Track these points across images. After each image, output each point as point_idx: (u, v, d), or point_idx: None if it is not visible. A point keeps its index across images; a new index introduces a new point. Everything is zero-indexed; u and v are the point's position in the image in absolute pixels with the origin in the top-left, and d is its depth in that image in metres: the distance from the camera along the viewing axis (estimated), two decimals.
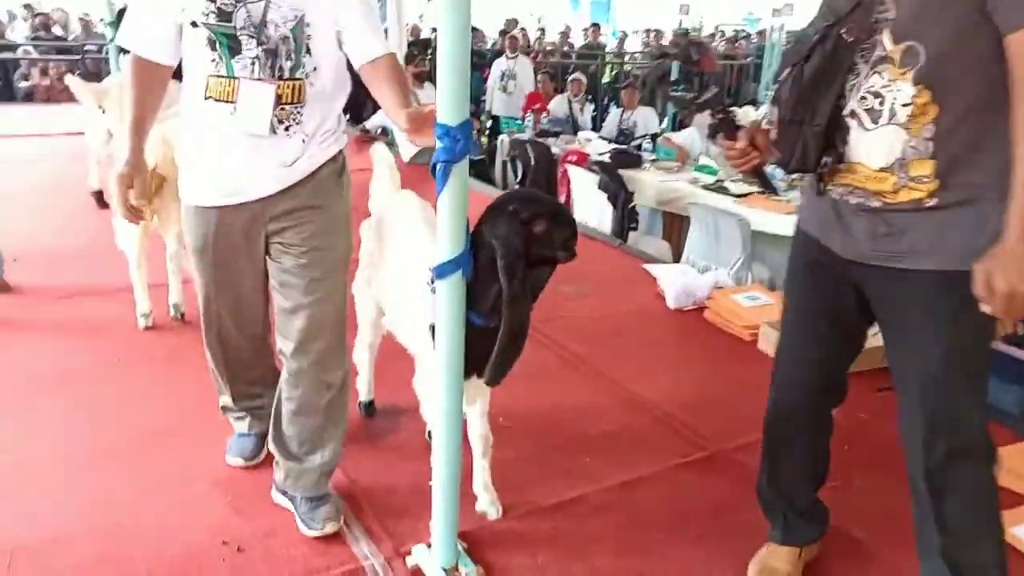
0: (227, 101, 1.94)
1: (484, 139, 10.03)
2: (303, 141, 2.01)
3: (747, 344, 3.68)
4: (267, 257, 2.16)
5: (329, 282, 2.15)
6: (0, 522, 2.19)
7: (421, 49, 7.75)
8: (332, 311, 2.18)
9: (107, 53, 8.31)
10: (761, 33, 14.17)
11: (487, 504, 2.35)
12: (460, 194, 1.74)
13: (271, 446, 2.28)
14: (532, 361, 3.20)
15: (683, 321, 3.97)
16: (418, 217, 2.39)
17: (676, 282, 4.06)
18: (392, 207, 2.55)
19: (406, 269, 2.24)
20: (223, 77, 1.93)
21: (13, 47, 11.39)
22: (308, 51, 1.95)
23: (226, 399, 2.48)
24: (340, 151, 2.14)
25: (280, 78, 1.93)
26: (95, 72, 9.87)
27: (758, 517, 2.17)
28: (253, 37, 1.89)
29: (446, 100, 1.67)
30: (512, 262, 1.86)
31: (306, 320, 2.12)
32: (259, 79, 1.92)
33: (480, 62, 10.70)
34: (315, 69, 1.97)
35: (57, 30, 12.31)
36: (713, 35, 15.10)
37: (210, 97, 1.95)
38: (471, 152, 1.73)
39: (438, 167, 1.71)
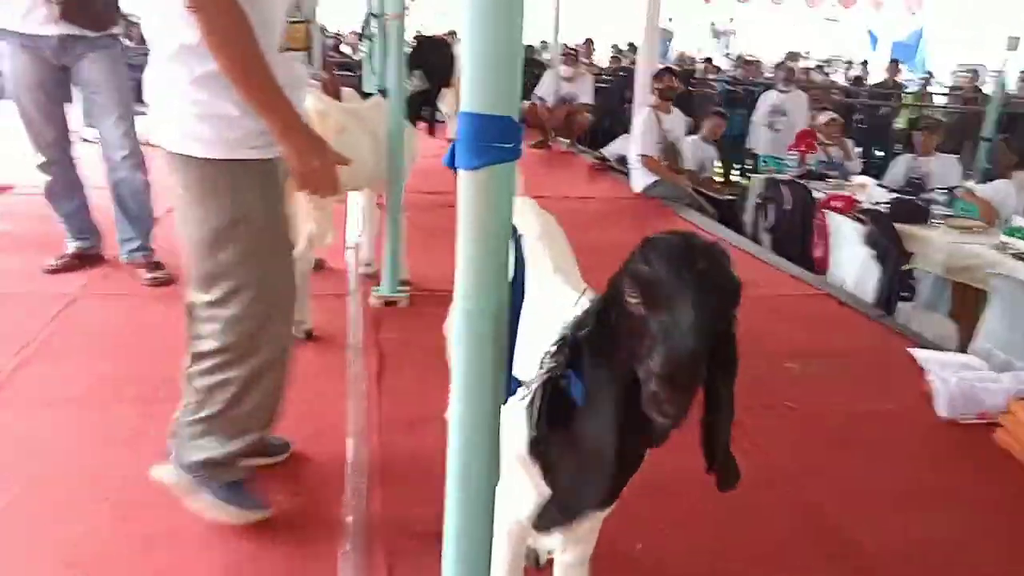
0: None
1: (739, 177, 8.98)
2: None
3: None
4: None
5: None
6: None
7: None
8: None
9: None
10: None
11: None
12: (488, 218, 0.97)
13: None
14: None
15: (958, 439, 2.73)
16: (535, 231, 1.64)
17: (955, 378, 2.84)
18: None
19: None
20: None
21: None
22: None
23: (250, 440, 1.88)
24: None
25: None
26: None
27: None
28: None
29: (476, 76, 0.92)
30: (590, 337, 1.08)
31: None
32: None
33: (745, 96, 9.61)
34: None
35: None
36: None
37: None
38: (513, 157, 0.97)
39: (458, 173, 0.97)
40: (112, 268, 3.70)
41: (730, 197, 7.26)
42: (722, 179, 8.41)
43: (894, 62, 10.79)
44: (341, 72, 6.18)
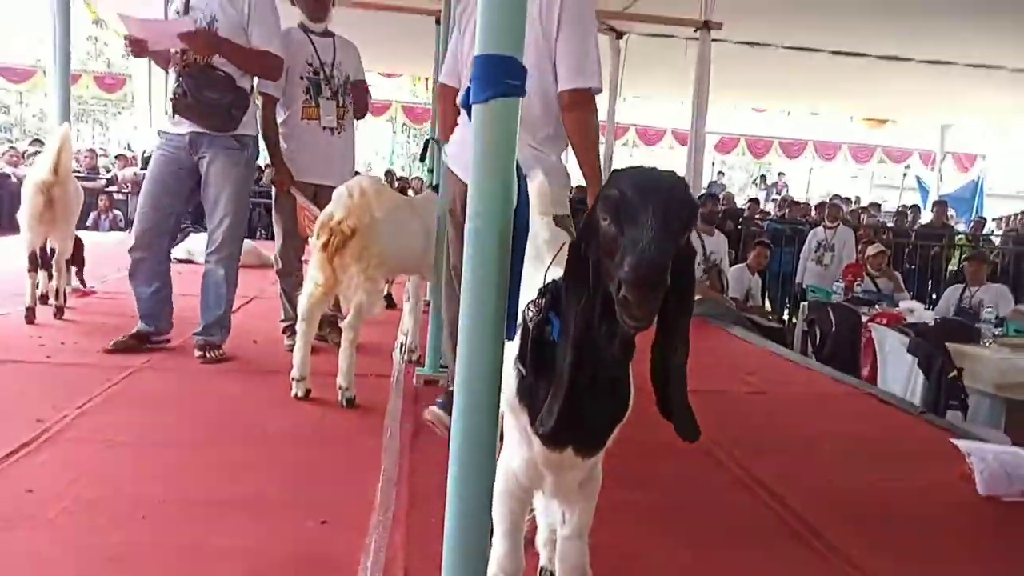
0: None
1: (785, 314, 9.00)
2: None
3: None
4: None
5: None
6: None
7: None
8: None
9: None
10: None
11: None
12: (495, 145, 1.15)
13: None
14: (741, 521, 2.30)
15: (999, 515, 2.63)
16: (545, 236, 1.79)
17: (992, 455, 2.77)
18: None
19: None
20: None
21: None
22: None
23: None
24: None
25: None
26: None
27: None
28: None
29: (490, 22, 1.14)
30: (571, 256, 1.21)
31: None
32: None
33: (792, 235, 9.77)
34: None
35: None
36: None
37: None
38: (518, 93, 1.16)
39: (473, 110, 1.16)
40: (178, 351, 3.89)
41: (776, 325, 7.28)
42: (768, 310, 8.45)
43: (941, 203, 10.90)
44: None
